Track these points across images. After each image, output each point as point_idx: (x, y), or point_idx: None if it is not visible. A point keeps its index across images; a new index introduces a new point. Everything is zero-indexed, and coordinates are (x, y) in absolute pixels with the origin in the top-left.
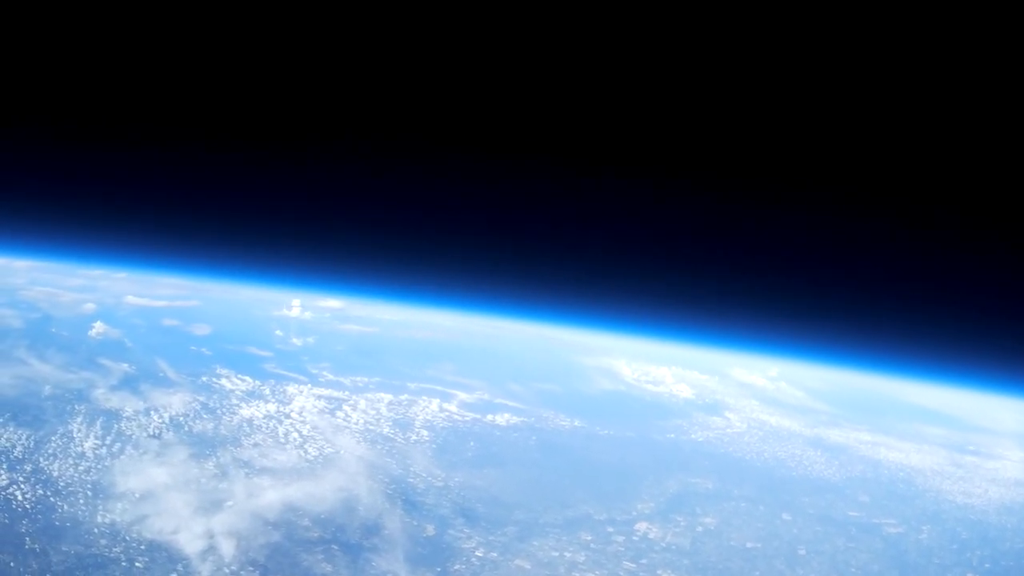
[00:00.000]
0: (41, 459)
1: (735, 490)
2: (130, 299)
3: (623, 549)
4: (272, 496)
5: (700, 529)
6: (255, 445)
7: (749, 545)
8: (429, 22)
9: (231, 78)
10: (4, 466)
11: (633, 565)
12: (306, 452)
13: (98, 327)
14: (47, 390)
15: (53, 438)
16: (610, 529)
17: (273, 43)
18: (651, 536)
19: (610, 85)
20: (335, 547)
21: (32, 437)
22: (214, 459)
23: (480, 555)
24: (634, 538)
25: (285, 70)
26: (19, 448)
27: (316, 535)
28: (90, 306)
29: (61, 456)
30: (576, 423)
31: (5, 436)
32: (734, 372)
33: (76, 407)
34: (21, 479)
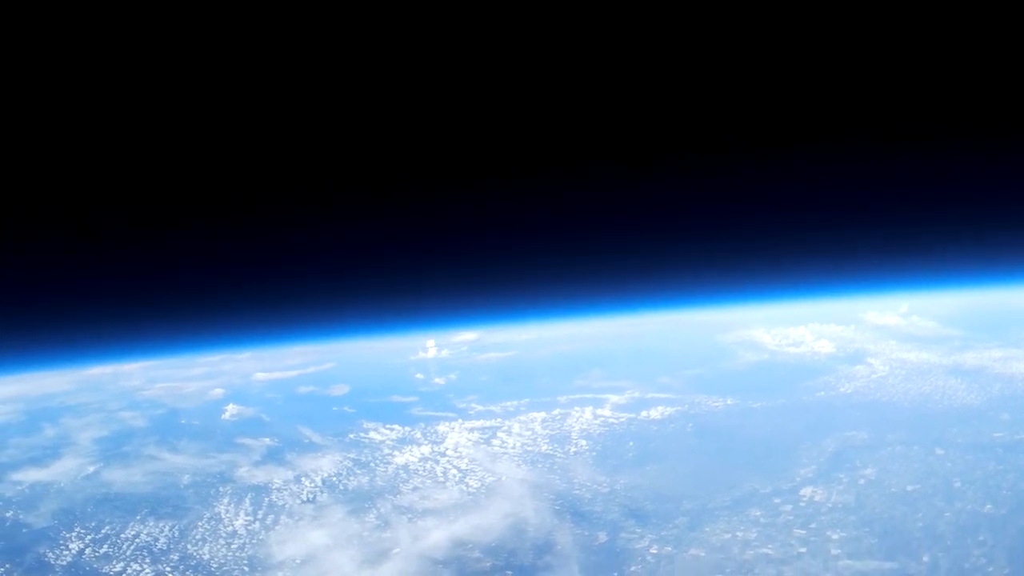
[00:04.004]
0: (188, 546)
1: (889, 435)
2: (259, 376)
3: (792, 518)
4: (438, 535)
5: (862, 482)
6: (414, 489)
7: (909, 488)
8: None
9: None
10: (147, 559)
11: (803, 532)
12: (467, 486)
13: (231, 409)
14: (185, 479)
15: (199, 523)
16: (777, 500)
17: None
18: (817, 499)
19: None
20: (509, 573)
21: (176, 527)
22: (374, 511)
23: (655, 552)
24: (801, 504)
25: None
26: (162, 540)
27: (488, 564)
28: (218, 391)
29: (211, 539)
30: (729, 401)
31: (145, 531)
32: (868, 317)
33: (220, 489)
34: (168, 569)
